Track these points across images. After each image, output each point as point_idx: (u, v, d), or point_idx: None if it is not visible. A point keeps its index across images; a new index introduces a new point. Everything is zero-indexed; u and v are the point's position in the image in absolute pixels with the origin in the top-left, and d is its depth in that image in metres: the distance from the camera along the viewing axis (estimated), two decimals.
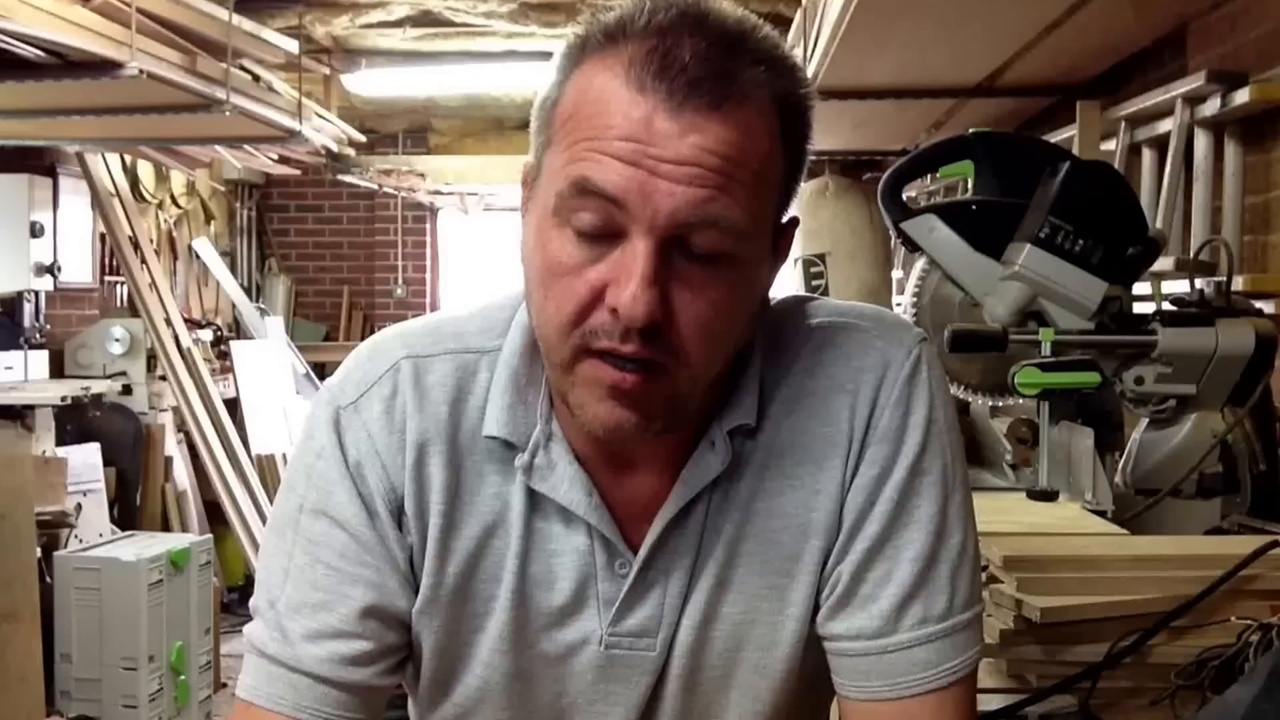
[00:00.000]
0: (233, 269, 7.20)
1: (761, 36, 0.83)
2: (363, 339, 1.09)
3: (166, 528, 5.39)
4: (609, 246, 0.81)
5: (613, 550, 0.92)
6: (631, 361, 0.81)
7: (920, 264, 1.86)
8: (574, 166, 0.80)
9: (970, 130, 1.82)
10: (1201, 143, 2.27)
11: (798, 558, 0.92)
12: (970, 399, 1.94)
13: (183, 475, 5.67)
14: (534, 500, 0.92)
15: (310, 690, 0.90)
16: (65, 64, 3.44)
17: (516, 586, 0.92)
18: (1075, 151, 2.37)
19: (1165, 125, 2.40)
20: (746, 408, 0.91)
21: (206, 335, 6.18)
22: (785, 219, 0.90)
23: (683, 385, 0.84)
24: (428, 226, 7.84)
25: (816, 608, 0.93)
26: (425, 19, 5.42)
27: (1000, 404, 2.00)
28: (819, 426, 0.92)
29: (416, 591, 0.93)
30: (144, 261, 5.66)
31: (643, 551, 0.92)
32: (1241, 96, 2.08)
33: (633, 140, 0.79)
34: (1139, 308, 1.75)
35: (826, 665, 0.94)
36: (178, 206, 6.55)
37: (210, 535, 4.81)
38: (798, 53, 3.33)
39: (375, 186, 6.94)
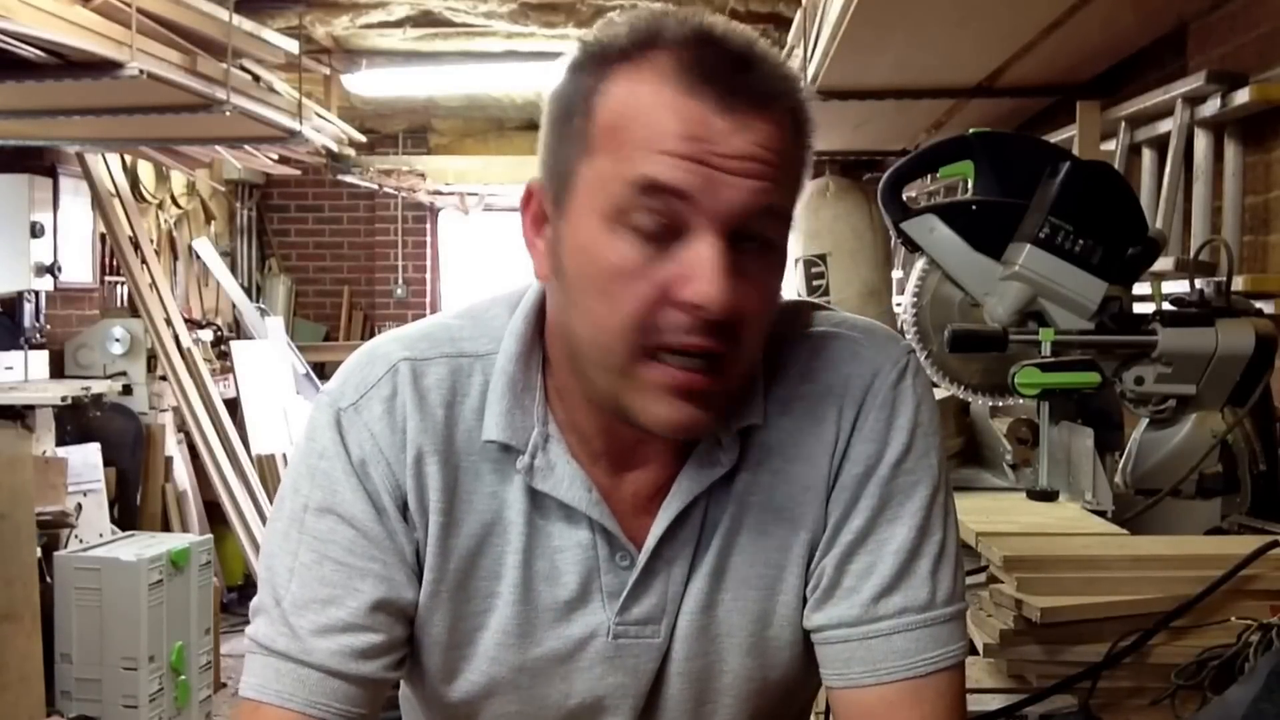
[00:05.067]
0: (233, 269, 7.20)
1: (767, 49, 0.88)
2: (363, 339, 1.11)
3: (166, 528, 5.39)
4: (668, 246, 0.84)
5: (614, 543, 0.95)
6: (697, 358, 0.84)
7: (920, 264, 1.86)
8: (633, 168, 0.83)
9: (970, 130, 1.82)
10: (1201, 143, 2.27)
11: (787, 549, 0.96)
12: (970, 399, 1.94)
13: (183, 475, 5.67)
14: (534, 499, 0.94)
15: (320, 685, 0.91)
16: (65, 64, 3.44)
17: (521, 582, 0.95)
18: (1075, 151, 2.37)
19: (1165, 125, 2.39)
20: (754, 407, 0.95)
21: (206, 335, 6.18)
22: None
23: (738, 377, 0.89)
24: (428, 226, 7.85)
25: (806, 600, 0.97)
26: (425, 19, 5.42)
27: (1000, 404, 2.00)
28: (809, 427, 0.96)
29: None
30: (144, 261, 5.66)
31: (649, 543, 0.95)
32: (1241, 96, 2.08)
33: (693, 139, 0.82)
34: (1139, 308, 1.75)
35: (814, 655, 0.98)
36: (178, 206, 6.56)
37: (210, 535, 4.81)
38: (798, 53, 3.33)
39: (375, 186, 6.95)
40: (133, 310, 5.71)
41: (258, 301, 7.24)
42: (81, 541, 4.39)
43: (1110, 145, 2.63)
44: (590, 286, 0.86)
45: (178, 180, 6.44)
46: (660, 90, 0.83)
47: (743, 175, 0.83)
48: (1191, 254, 2.09)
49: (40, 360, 5.19)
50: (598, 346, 0.87)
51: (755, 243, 0.85)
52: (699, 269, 0.82)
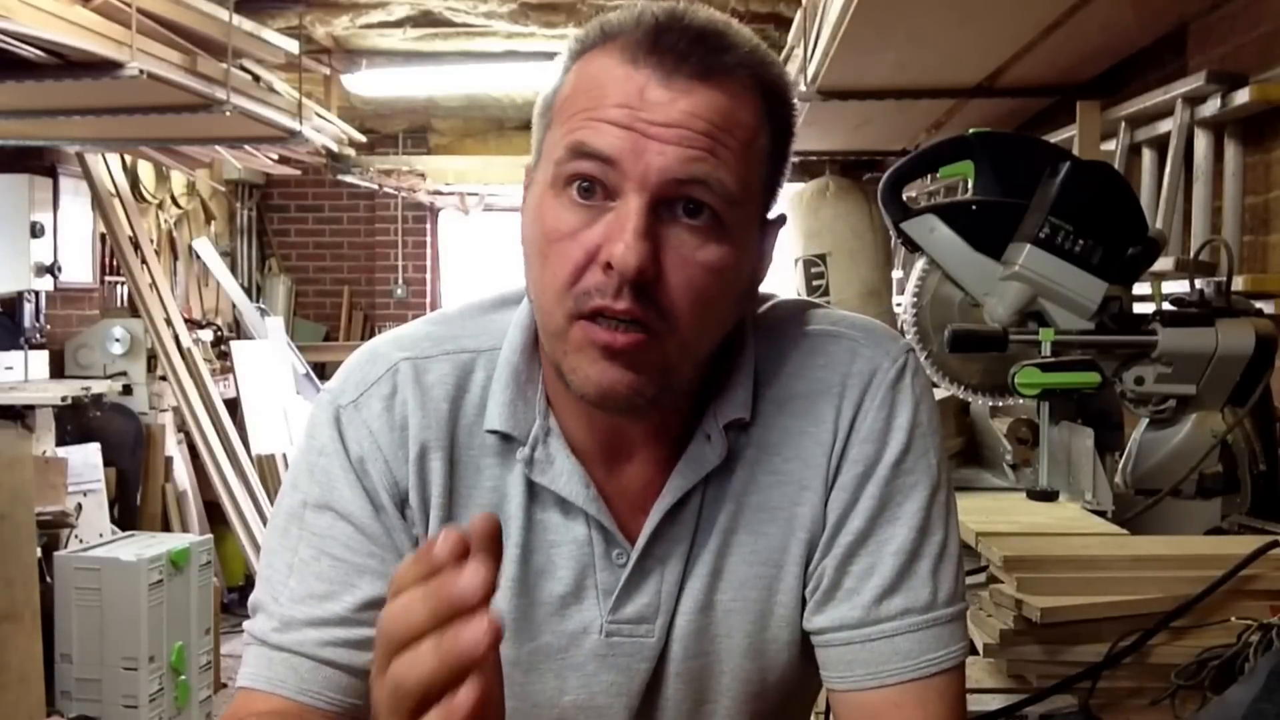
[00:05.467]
0: (233, 269, 7.20)
1: (742, 32, 0.89)
2: (363, 339, 1.11)
3: (166, 528, 5.39)
4: (603, 211, 0.85)
5: (610, 540, 0.95)
6: (623, 321, 0.84)
7: (920, 264, 1.86)
8: (571, 135, 0.85)
9: (970, 130, 1.82)
10: (1201, 143, 2.27)
11: (785, 549, 0.96)
12: (970, 399, 1.94)
13: (183, 475, 5.67)
14: (533, 492, 0.95)
15: (313, 673, 0.91)
16: (65, 64, 3.44)
17: (518, 576, 0.95)
18: (1075, 151, 2.37)
19: (1165, 125, 2.40)
20: (741, 403, 0.94)
21: (206, 335, 6.18)
22: (773, 216, 0.94)
23: (672, 353, 0.87)
24: (428, 226, 7.84)
25: (805, 601, 0.96)
26: (425, 19, 5.42)
27: (1000, 404, 2.00)
28: (807, 426, 0.95)
29: None
30: (144, 261, 5.66)
31: (641, 540, 0.94)
32: (1241, 96, 2.08)
33: (626, 107, 0.84)
34: (1139, 308, 1.75)
35: (814, 658, 0.97)
36: (178, 206, 6.56)
37: (210, 535, 4.81)
38: (798, 53, 3.33)
39: (375, 186, 6.95)
40: (133, 310, 5.71)
41: (258, 301, 7.24)
42: (81, 541, 4.39)
43: (1110, 145, 2.63)
44: (534, 251, 0.88)
45: (178, 180, 6.44)
46: (611, 65, 0.86)
47: (672, 143, 0.83)
48: (1191, 254, 2.09)
49: (40, 360, 5.19)
50: (542, 311, 0.89)
51: (688, 210, 0.84)
52: (617, 230, 0.83)
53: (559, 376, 0.89)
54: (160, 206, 6.36)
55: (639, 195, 0.83)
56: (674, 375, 0.89)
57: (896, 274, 4.07)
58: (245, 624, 0.96)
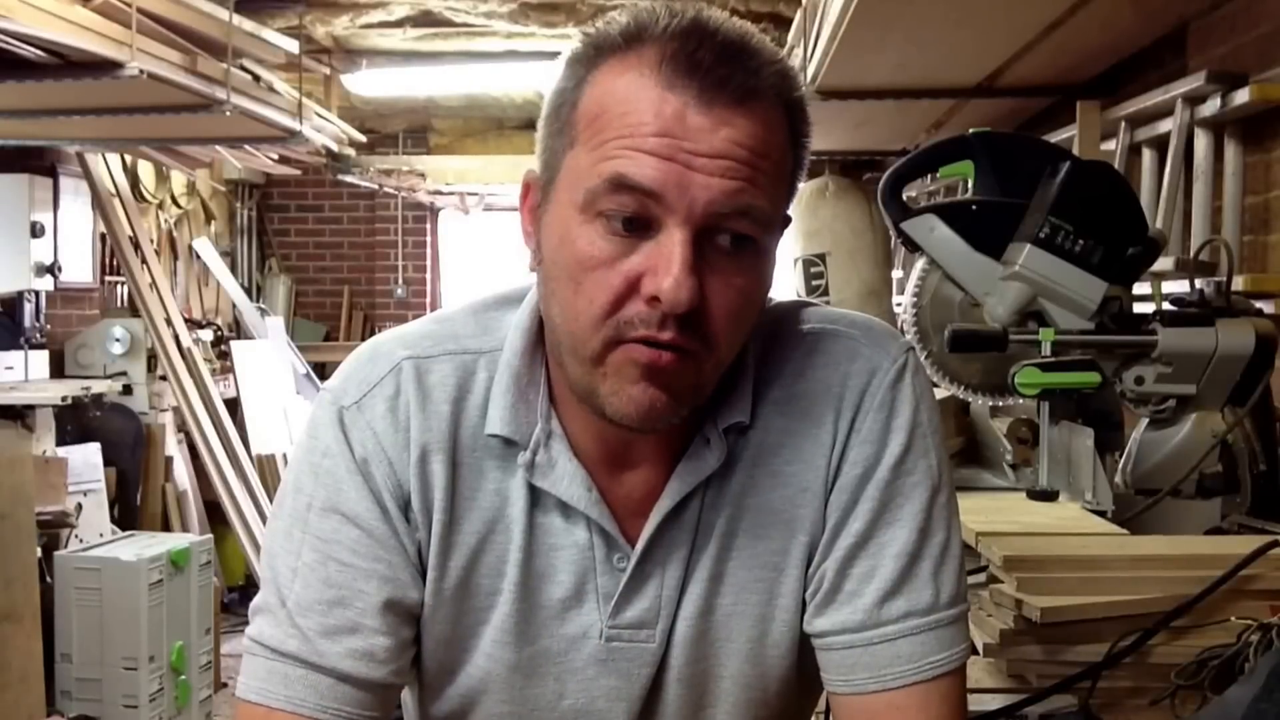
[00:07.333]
0: (233, 269, 7.20)
1: (764, 42, 0.87)
2: (363, 339, 1.10)
3: (166, 528, 5.39)
4: (640, 239, 0.83)
5: (611, 544, 0.94)
6: (666, 346, 0.83)
7: (920, 264, 1.86)
8: (607, 164, 0.83)
9: (970, 130, 1.82)
10: (1201, 143, 2.27)
11: (786, 552, 0.95)
12: (970, 399, 1.94)
13: (183, 475, 5.67)
14: (534, 496, 0.94)
15: (332, 690, 0.90)
16: (65, 64, 3.44)
17: (520, 580, 0.94)
18: (1075, 151, 2.37)
19: (1165, 125, 2.40)
20: (741, 406, 0.94)
21: (206, 335, 6.18)
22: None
23: (708, 372, 0.87)
24: (428, 226, 7.84)
25: (805, 604, 0.96)
26: (425, 19, 5.42)
27: (1000, 404, 2.00)
28: (807, 428, 0.95)
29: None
30: (144, 261, 5.66)
31: (640, 544, 0.94)
32: (1241, 96, 2.08)
33: (667, 135, 0.82)
34: (1139, 308, 1.75)
35: (815, 661, 0.97)
36: (178, 206, 6.55)
37: (210, 535, 4.81)
38: (798, 53, 3.33)
39: (375, 186, 6.95)
40: (133, 310, 5.71)
41: (258, 301, 7.24)
42: (81, 541, 4.39)
43: (1110, 145, 2.63)
44: (564, 276, 0.86)
45: (178, 180, 6.44)
46: (641, 83, 0.83)
47: (717, 175, 0.82)
48: (1191, 254, 2.09)
49: (40, 360, 5.19)
50: (571, 336, 0.87)
51: (730, 240, 0.84)
52: (662, 263, 0.82)
53: (586, 399, 0.88)
54: (160, 206, 6.36)
55: (683, 228, 0.82)
56: (705, 392, 0.89)
57: (896, 274, 4.07)
58: (248, 629, 0.94)
